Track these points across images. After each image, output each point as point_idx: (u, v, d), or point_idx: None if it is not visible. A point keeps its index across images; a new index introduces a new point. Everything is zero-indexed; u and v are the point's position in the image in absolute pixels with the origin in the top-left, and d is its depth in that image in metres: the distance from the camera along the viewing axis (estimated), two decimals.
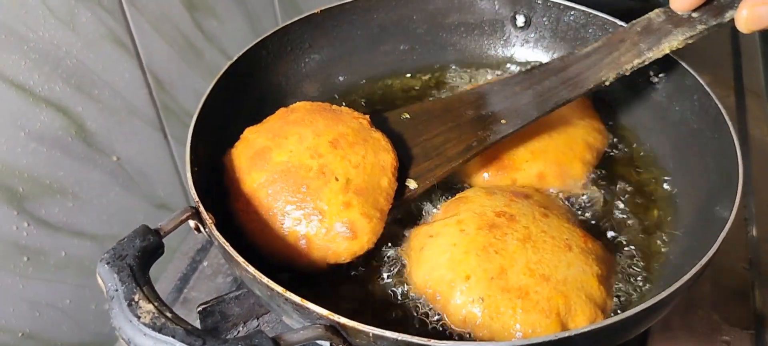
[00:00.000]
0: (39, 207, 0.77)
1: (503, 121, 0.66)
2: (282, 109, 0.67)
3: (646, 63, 0.63)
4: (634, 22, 0.65)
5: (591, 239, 0.60)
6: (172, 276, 0.78)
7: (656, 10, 0.64)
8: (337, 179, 0.59)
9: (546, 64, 0.68)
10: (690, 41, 0.62)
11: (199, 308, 0.67)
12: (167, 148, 0.95)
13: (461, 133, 0.67)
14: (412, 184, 0.64)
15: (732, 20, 0.58)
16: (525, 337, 0.53)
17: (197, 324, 0.67)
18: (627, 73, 0.63)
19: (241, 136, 0.65)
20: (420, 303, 0.58)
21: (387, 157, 0.63)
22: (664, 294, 0.48)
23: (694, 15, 0.62)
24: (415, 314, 0.58)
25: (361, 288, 0.61)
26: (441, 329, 0.56)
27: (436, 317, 0.57)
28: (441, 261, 0.58)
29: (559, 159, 0.69)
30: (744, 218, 0.83)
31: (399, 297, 0.59)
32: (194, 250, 0.81)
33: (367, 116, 0.66)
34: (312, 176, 0.59)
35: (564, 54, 0.67)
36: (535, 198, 0.64)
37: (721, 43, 1.15)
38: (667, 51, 0.62)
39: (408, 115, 0.70)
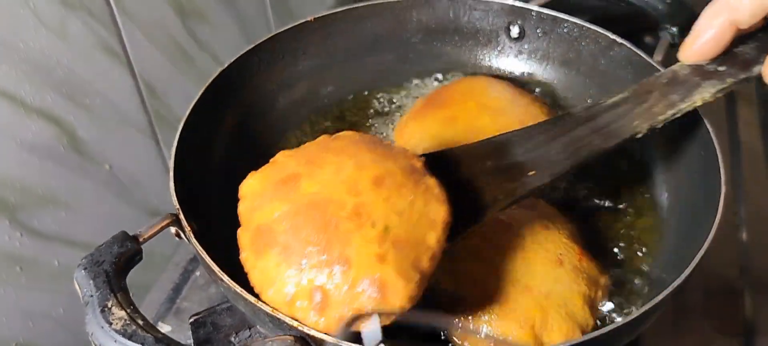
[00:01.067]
0: (31, 217, 0.77)
1: (531, 173, 0.58)
2: (324, 137, 0.57)
3: (678, 115, 0.59)
4: (657, 74, 0.63)
5: (587, 258, 0.60)
6: (165, 287, 0.78)
7: (679, 63, 0.61)
8: (373, 225, 0.48)
9: (569, 113, 0.63)
10: (720, 95, 0.59)
11: (191, 319, 0.66)
12: (160, 156, 0.95)
13: (482, 185, 0.58)
14: None
15: (760, 74, 0.57)
16: (495, 343, 0.53)
17: (189, 335, 0.67)
18: (659, 126, 0.59)
19: (272, 159, 0.56)
20: None
21: (439, 210, 0.51)
22: (625, 320, 0.49)
23: (721, 68, 0.59)
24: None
25: None
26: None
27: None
28: None
29: None
30: (735, 224, 0.84)
31: None
32: (186, 260, 0.81)
33: (423, 158, 0.55)
34: (343, 216, 0.48)
35: (588, 104, 0.63)
36: (540, 210, 0.64)
37: None
38: (700, 103, 0.59)
39: None
